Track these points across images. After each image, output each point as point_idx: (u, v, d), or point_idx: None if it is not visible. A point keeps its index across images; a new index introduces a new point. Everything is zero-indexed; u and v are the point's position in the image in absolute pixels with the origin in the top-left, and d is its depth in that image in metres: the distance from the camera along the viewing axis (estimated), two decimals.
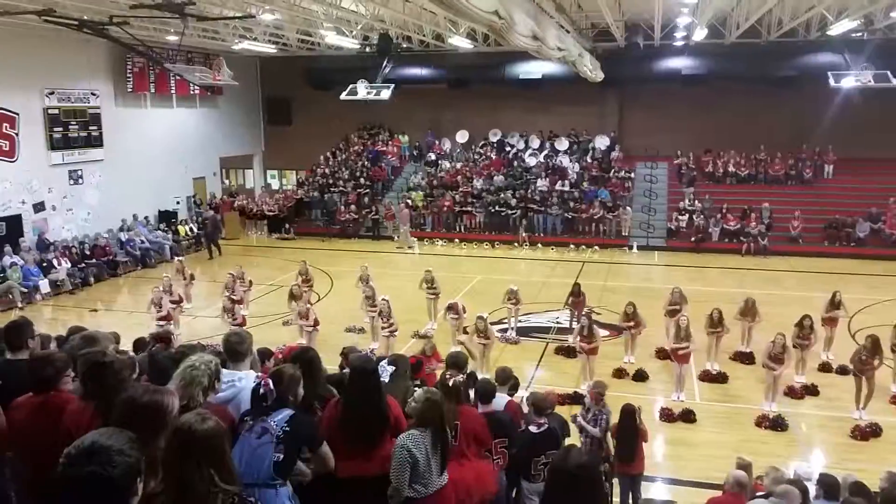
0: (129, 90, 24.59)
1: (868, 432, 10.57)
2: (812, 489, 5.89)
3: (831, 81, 20.85)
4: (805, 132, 25.78)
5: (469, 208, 26.38)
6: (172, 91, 26.60)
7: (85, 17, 15.90)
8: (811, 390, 12.14)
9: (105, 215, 23.11)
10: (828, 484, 5.89)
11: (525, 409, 6.81)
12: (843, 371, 12.52)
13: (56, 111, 21.77)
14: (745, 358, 13.59)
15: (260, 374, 4.25)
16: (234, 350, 4.41)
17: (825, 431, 10.98)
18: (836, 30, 19.61)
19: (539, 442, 6.14)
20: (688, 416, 11.18)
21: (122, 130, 24.31)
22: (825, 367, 13.13)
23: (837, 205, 24.35)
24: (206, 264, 23.37)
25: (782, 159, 26.20)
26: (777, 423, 10.85)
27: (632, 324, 13.32)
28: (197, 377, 3.64)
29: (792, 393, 11.99)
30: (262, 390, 3.87)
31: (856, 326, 14.59)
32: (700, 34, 20.82)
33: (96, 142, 23.24)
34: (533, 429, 6.30)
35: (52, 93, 21.63)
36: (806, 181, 25.77)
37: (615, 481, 7.88)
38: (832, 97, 23.06)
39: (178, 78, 25.06)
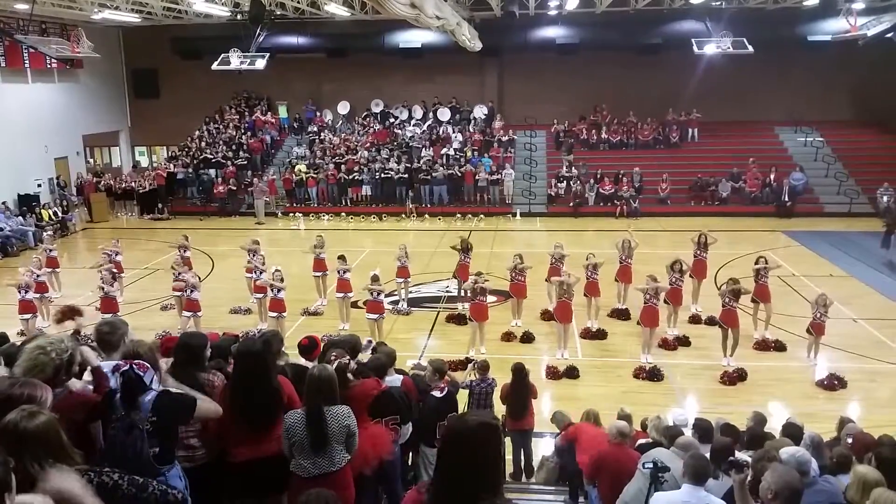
0: None
1: (735, 377, 11.44)
2: (688, 434, 6.27)
3: (694, 48, 21.83)
4: (671, 98, 27.11)
5: (355, 179, 26.01)
6: (26, 64, 24.48)
7: None
8: (683, 341, 12.99)
9: None
10: (702, 428, 6.30)
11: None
12: (711, 322, 13.41)
13: None
14: (622, 315, 14.35)
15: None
16: (105, 340, 4.14)
17: (697, 379, 11.77)
18: None
19: (442, 406, 6.30)
20: (572, 373, 11.71)
21: None
22: (695, 319, 14.07)
23: (702, 166, 25.81)
24: (74, 249, 21.92)
25: (651, 125, 27.47)
26: (653, 374, 11.56)
27: (521, 277, 13.69)
28: (42, 363, 3.21)
29: (665, 345, 12.79)
30: (133, 374, 3.54)
31: (721, 280, 15.61)
32: (572, 3, 21.32)
33: None
34: (436, 393, 6.40)
35: None
36: (673, 145, 27.20)
37: (507, 439, 8.12)
38: (696, 64, 24.14)
39: (32, 50, 23.10)
